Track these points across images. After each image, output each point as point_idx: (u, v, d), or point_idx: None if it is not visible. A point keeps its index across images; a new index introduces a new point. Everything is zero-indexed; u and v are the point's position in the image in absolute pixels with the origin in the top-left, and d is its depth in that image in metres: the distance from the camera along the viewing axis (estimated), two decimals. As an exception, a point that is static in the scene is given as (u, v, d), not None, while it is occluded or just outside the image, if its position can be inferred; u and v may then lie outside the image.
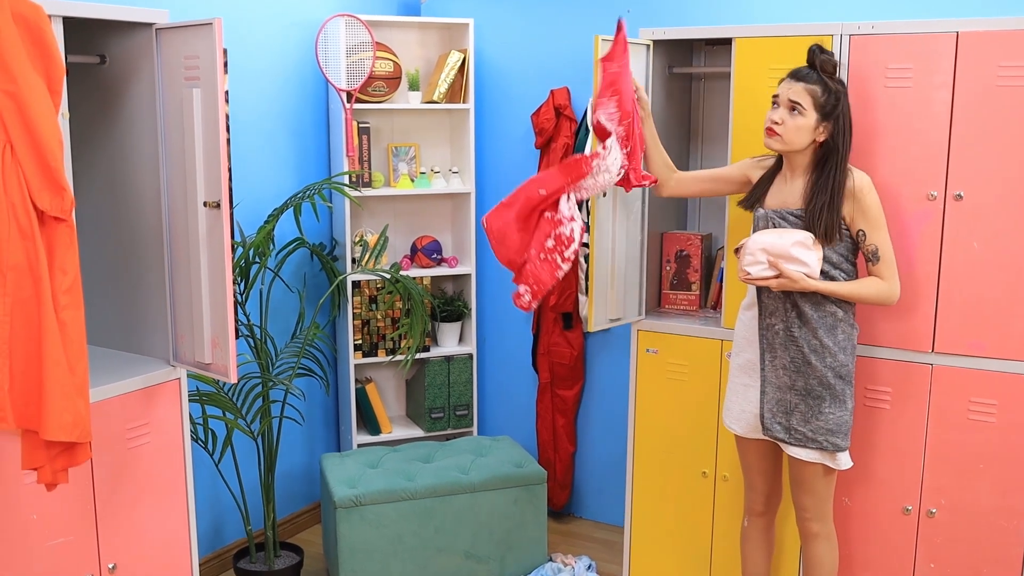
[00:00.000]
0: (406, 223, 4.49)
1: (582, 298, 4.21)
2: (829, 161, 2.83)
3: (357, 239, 4.23)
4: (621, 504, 4.02)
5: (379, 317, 4.28)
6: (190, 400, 3.26)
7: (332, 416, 4.48)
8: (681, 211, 3.92)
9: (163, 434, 2.81)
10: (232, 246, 3.58)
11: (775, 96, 2.86)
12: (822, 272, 2.84)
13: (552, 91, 4.19)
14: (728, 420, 3.10)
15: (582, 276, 4.19)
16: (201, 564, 3.77)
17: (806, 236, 2.80)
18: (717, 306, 3.69)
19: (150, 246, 2.81)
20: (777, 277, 2.80)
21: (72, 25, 2.56)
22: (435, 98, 4.24)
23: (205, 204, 2.63)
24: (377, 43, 4.07)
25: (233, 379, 2.67)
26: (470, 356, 4.45)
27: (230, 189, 3.73)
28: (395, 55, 4.20)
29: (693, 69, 3.78)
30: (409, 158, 4.37)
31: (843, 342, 2.89)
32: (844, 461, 2.93)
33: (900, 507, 3.20)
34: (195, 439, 3.44)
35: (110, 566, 2.69)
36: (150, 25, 2.67)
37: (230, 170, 3.72)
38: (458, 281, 4.55)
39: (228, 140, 3.63)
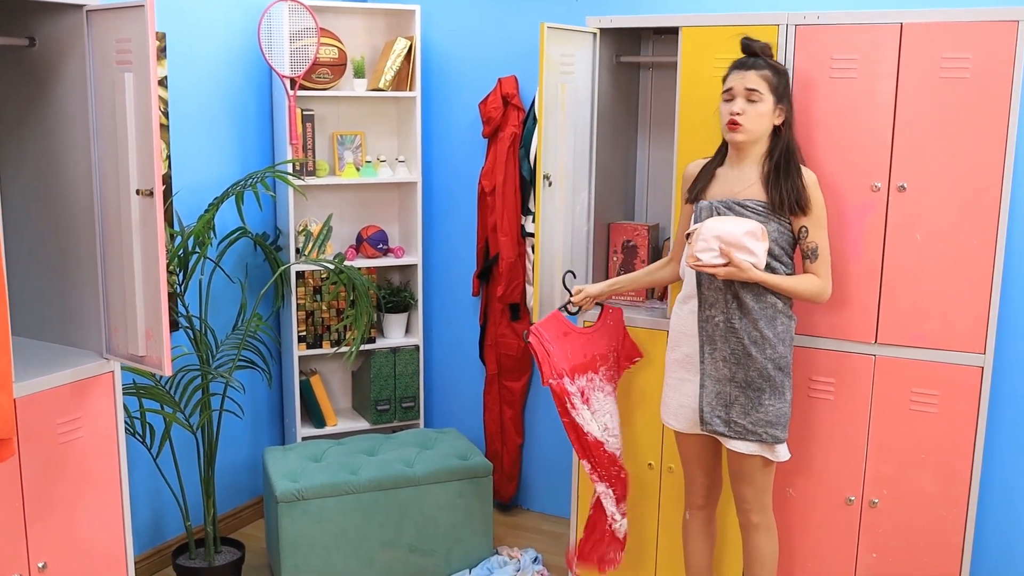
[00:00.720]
0: (352, 213, 4.43)
1: (529, 288, 4.18)
2: (782, 142, 2.85)
3: (301, 229, 4.16)
4: (568, 496, 4.01)
5: (323, 308, 4.22)
6: (126, 393, 3.18)
7: (276, 409, 4.41)
8: (628, 201, 3.90)
9: (96, 428, 2.73)
10: (170, 235, 3.51)
11: (728, 90, 2.85)
12: (766, 265, 2.83)
13: (500, 80, 4.15)
14: (666, 416, 3.09)
15: (529, 267, 4.16)
16: (139, 561, 3.69)
17: (756, 227, 2.79)
18: (663, 297, 3.68)
19: (82, 235, 2.72)
20: (726, 265, 2.79)
21: (0, 6, 2.47)
22: (381, 86, 4.17)
23: (138, 192, 2.55)
24: (322, 29, 4.00)
25: (167, 372, 2.60)
26: (416, 347, 4.40)
27: (168, 177, 3.65)
28: (340, 41, 4.13)
29: (640, 58, 3.76)
30: (355, 146, 4.30)
31: (782, 333, 2.89)
32: (782, 453, 2.93)
33: (843, 497, 3.22)
34: (132, 433, 3.36)
35: (40, 565, 2.61)
36: (80, 7, 2.58)
37: (168, 157, 3.65)
38: (404, 272, 4.49)
39: (165, 126, 3.55)
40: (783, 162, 2.85)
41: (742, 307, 2.86)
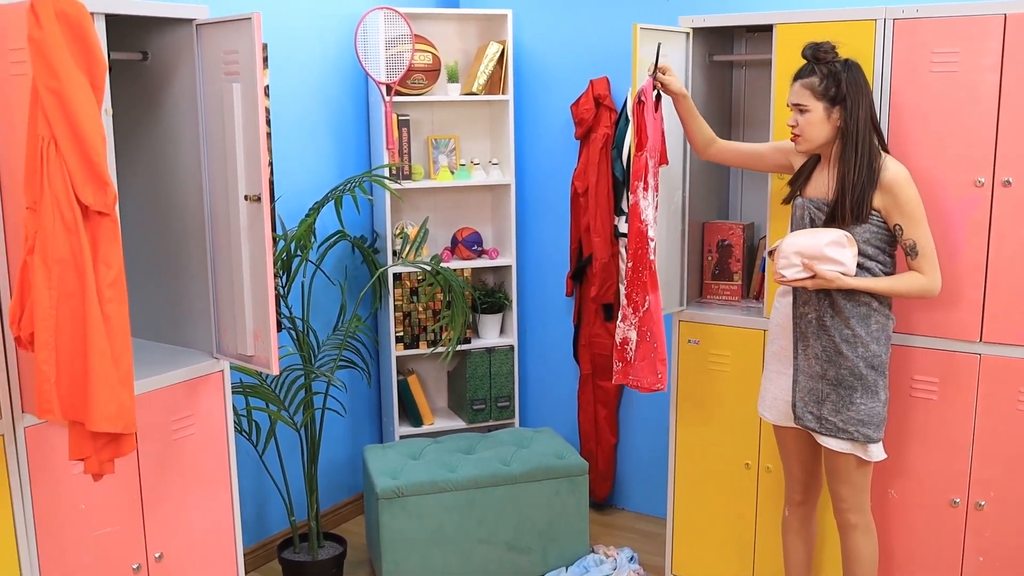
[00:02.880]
0: (446, 215, 4.50)
1: (623, 289, 4.18)
2: (849, 141, 2.79)
3: (398, 231, 4.24)
4: (663, 496, 4.00)
5: (420, 309, 4.30)
6: (234, 392, 3.29)
7: (374, 408, 4.51)
8: (723, 201, 3.88)
9: (207, 425, 2.84)
10: (274, 239, 3.61)
11: (787, 104, 2.87)
12: (859, 265, 2.80)
13: (591, 81, 4.17)
14: (761, 408, 3.08)
15: (623, 267, 4.17)
16: (246, 554, 3.81)
17: (840, 235, 2.77)
18: (759, 296, 3.65)
19: (193, 240, 2.83)
20: (812, 278, 2.78)
21: (114, 22, 2.58)
22: (474, 90, 4.23)
23: (246, 198, 2.65)
24: (416, 35, 4.08)
25: (275, 371, 2.69)
26: (511, 348, 4.45)
27: (271, 183, 3.76)
28: (434, 47, 4.20)
29: (734, 57, 3.74)
30: (449, 150, 4.37)
31: (876, 332, 2.84)
32: (876, 453, 2.89)
33: (948, 499, 3.15)
34: (239, 431, 3.47)
35: (156, 555, 2.72)
36: (190, 21, 2.69)
37: (271, 164, 3.75)
38: (499, 273, 4.55)
39: (269, 134, 3.66)
40: (848, 161, 2.78)
41: (834, 305, 2.83)
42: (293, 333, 3.65)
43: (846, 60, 2.80)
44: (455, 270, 4.18)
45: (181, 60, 2.75)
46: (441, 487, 3.59)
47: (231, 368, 2.94)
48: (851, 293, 2.82)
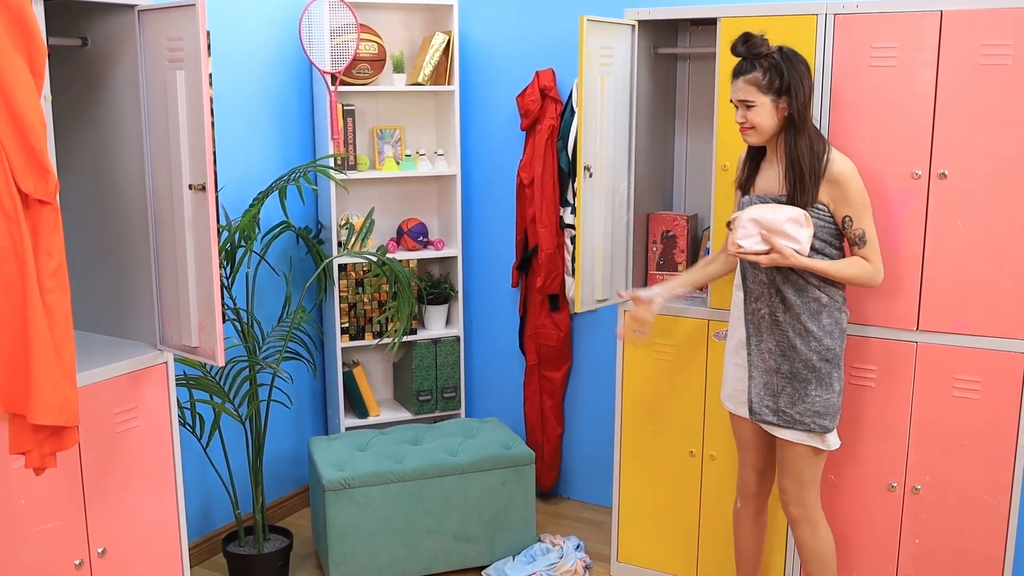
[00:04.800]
0: (392, 206, 4.48)
1: (568, 279, 4.22)
2: (798, 128, 2.82)
3: (343, 222, 4.21)
4: (609, 485, 4.04)
5: (366, 300, 4.28)
6: (177, 384, 3.25)
7: (320, 399, 4.48)
8: (667, 192, 3.92)
9: (151, 418, 2.80)
10: (217, 230, 3.58)
11: (731, 100, 2.90)
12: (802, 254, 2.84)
13: (537, 72, 4.18)
14: (723, 397, 3.12)
15: (568, 258, 4.19)
16: (190, 548, 3.77)
17: (799, 213, 2.80)
18: (703, 287, 3.69)
19: (135, 230, 2.79)
20: (768, 252, 2.80)
21: (53, 7, 2.53)
22: (420, 80, 4.22)
23: (190, 187, 2.62)
24: (361, 25, 4.05)
25: (220, 362, 2.66)
26: (457, 338, 4.45)
27: (215, 172, 3.71)
28: (379, 37, 4.18)
29: (678, 49, 3.78)
30: (394, 140, 4.36)
31: (829, 327, 2.89)
32: (832, 441, 2.95)
33: (886, 484, 3.23)
34: (183, 423, 3.43)
35: (99, 551, 2.68)
36: (132, 7, 2.64)
37: (215, 153, 3.71)
38: (444, 264, 4.54)
39: (212, 123, 3.62)
40: (795, 145, 2.82)
41: (785, 301, 2.88)
42: (237, 324, 3.61)
43: (781, 48, 2.83)
44: (401, 261, 4.17)
45: (123, 47, 2.70)
46: (388, 478, 3.59)
47: (175, 360, 2.91)
48: (800, 288, 2.87)
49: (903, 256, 3.10)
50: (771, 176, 2.93)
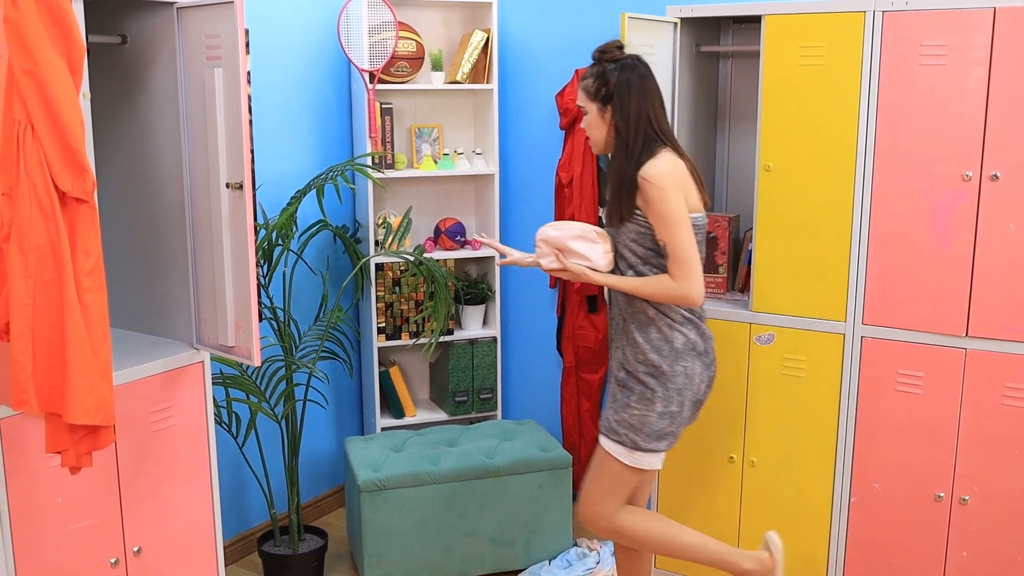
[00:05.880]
0: (429, 205, 4.46)
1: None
2: (619, 140, 2.77)
3: (380, 221, 4.20)
4: (646, 489, 3.99)
5: (403, 300, 4.26)
6: (214, 383, 3.24)
7: (356, 400, 4.47)
8: (709, 193, 3.85)
9: (187, 417, 2.80)
10: (255, 228, 3.57)
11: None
12: (630, 266, 2.79)
13: (577, 71, 4.13)
14: None
15: (607, 258, 4.14)
16: (226, 547, 3.77)
17: (588, 229, 2.79)
18: (745, 288, 3.64)
19: (173, 228, 2.78)
20: (564, 270, 2.82)
21: (93, 5, 2.53)
22: (458, 78, 4.19)
23: (228, 186, 2.60)
24: (399, 23, 4.03)
25: (256, 362, 2.65)
26: (494, 339, 4.41)
27: (252, 171, 3.71)
28: (418, 35, 4.16)
29: (721, 48, 3.72)
30: (432, 139, 4.33)
31: (656, 342, 2.78)
32: (646, 462, 2.84)
33: (932, 494, 3.15)
34: (219, 422, 3.43)
35: (135, 549, 2.68)
36: (171, 4, 2.63)
37: (252, 151, 3.71)
38: (482, 264, 4.51)
39: (250, 121, 3.61)
40: (613, 168, 2.79)
41: (622, 311, 2.87)
42: (274, 324, 3.61)
43: (624, 59, 2.76)
44: (438, 261, 4.14)
45: (161, 44, 2.69)
46: (423, 480, 3.56)
47: (211, 359, 2.90)
48: (629, 299, 2.82)
49: (952, 260, 3.02)
50: None
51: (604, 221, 2.89)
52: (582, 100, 2.83)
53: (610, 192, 2.80)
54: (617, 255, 2.82)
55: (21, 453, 2.39)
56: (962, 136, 2.96)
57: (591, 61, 2.83)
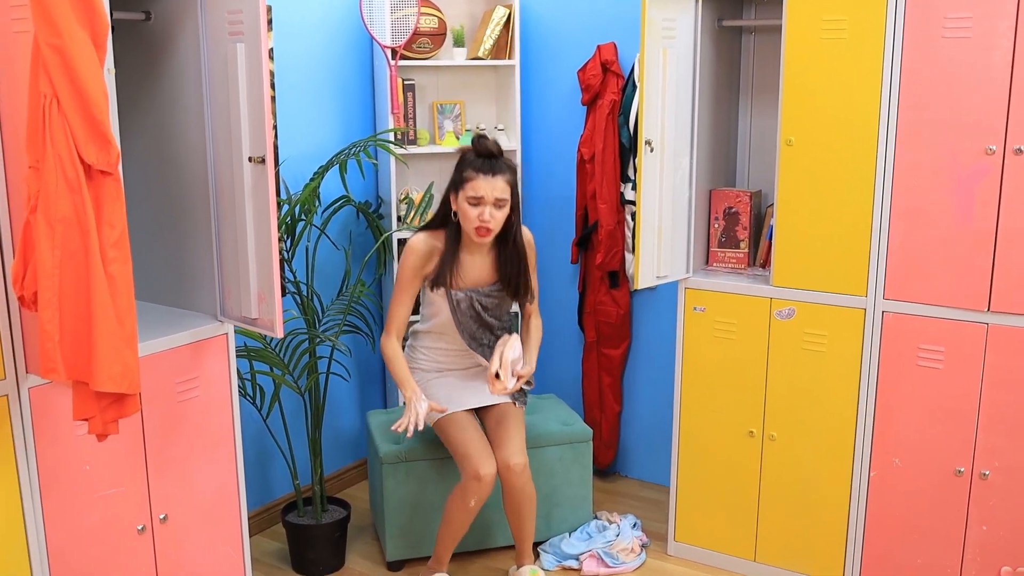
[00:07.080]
0: (451, 181, 4.46)
1: (628, 256, 4.17)
2: (511, 229, 3.22)
3: (402, 197, 4.22)
4: (667, 463, 4.01)
5: (425, 275, 4.28)
6: (238, 356, 3.28)
7: (378, 373, 4.51)
8: (730, 168, 3.85)
9: (211, 388, 2.84)
10: (278, 203, 3.60)
11: (477, 197, 3.13)
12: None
13: (599, 47, 4.12)
14: None
15: (628, 234, 4.15)
16: (250, 517, 3.83)
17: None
18: (766, 264, 3.64)
19: (196, 201, 2.82)
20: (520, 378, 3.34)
21: (117, -20, 2.56)
22: (480, 54, 4.20)
23: (250, 160, 2.63)
24: (422, -1, 4.04)
25: (279, 334, 2.68)
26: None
27: (275, 145, 3.74)
28: (440, 11, 4.16)
29: (743, 22, 3.70)
30: (454, 115, 4.34)
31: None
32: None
33: (952, 469, 3.15)
34: (243, 395, 3.47)
35: (161, 517, 2.73)
36: (194, -21, 2.66)
37: (275, 127, 3.73)
38: (504, 239, 4.52)
39: (273, 97, 3.64)
40: (513, 249, 3.26)
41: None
42: (297, 297, 3.64)
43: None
44: (460, 236, 4.15)
45: (185, 20, 2.72)
46: (445, 452, 3.59)
47: (235, 331, 2.94)
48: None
49: (975, 234, 3.00)
50: (481, 269, 3.26)
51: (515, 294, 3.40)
52: (506, 193, 3.14)
53: (511, 268, 3.30)
54: (503, 312, 3.42)
55: (51, 422, 2.44)
56: (986, 109, 2.93)
57: (492, 155, 3.15)
